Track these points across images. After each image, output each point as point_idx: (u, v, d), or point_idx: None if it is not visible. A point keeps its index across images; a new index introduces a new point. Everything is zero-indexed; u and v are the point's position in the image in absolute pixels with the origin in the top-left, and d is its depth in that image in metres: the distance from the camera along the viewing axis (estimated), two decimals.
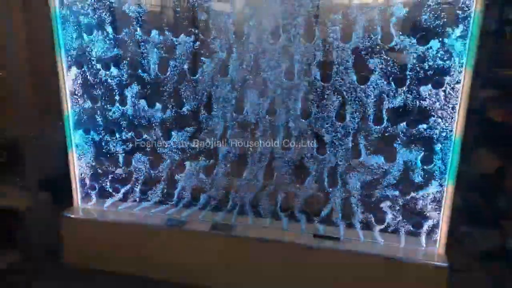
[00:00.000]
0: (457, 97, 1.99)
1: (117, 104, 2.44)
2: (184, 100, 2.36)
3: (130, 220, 2.48)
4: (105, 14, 2.32)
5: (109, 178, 2.58)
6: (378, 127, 2.14)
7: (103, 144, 2.53)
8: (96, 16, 2.33)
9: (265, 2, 2.16)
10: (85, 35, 2.35)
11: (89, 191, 2.62)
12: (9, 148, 2.74)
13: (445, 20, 1.95)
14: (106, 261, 2.51)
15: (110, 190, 2.60)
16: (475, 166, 4.26)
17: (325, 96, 2.18)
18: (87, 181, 2.60)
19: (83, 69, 2.41)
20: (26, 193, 2.68)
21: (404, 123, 2.12)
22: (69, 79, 2.42)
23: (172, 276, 2.42)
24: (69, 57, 2.39)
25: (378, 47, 2.05)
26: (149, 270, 2.45)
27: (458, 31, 1.92)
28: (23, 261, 2.59)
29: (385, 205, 2.25)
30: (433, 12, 1.95)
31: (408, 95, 2.07)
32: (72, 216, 2.54)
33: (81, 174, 2.58)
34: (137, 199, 2.59)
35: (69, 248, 2.56)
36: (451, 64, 1.97)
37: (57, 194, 2.74)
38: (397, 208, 2.24)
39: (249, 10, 2.18)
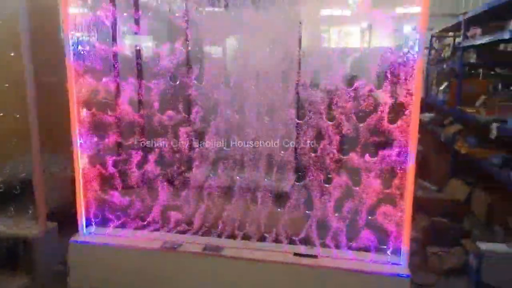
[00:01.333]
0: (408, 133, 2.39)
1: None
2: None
3: (130, 245, 2.78)
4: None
5: (111, 207, 2.89)
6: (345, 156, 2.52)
7: (107, 176, 2.87)
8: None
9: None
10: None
11: (93, 219, 2.92)
12: (22, 181, 3.05)
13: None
14: (110, 283, 2.77)
15: (113, 218, 2.90)
16: (447, 193, 4.66)
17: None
18: (92, 210, 2.91)
19: (91, 111, 2.79)
20: (36, 221, 2.96)
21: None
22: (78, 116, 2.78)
23: None
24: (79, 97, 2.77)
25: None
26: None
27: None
28: (31, 284, 2.84)
29: (356, 225, 2.59)
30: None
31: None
32: (78, 241, 2.83)
33: (87, 203, 2.89)
34: (137, 226, 2.89)
35: (74, 272, 2.83)
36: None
37: (64, 222, 3.03)
38: (366, 228, 2.58)
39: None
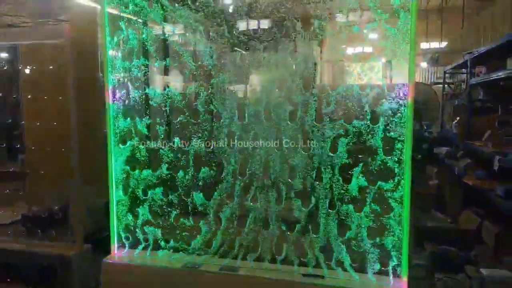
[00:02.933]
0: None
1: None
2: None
3: (156, 264, 3.10)
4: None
5: (141, 231, 3.25)
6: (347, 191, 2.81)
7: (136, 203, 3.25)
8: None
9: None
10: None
11: (125, 241, 3.28)
12: (63, 209, 3.46)
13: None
14: None
15: (142, 240, 3.25)
16: (460, 224, 4.80)
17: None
18: (124, 233, 3.27)
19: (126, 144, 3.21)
20: (73, 243, 3.35)
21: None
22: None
23: None
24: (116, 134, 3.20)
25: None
26: None
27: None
28: None
29: (358, 249, 2.83)
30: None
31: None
32: (110, 261, 3.18)
33: (119, 227, 3.26)
34: (162, 247, 3.23)
35: None
36: None
37: (98, 244, 3.40)
38: (369, 251, 2.82)
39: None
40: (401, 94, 2.67)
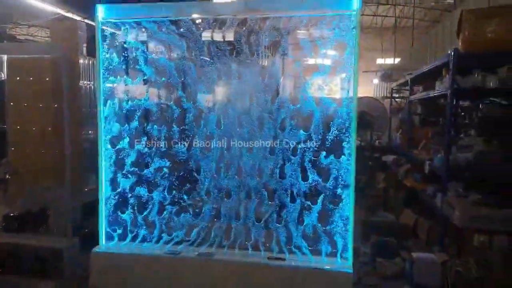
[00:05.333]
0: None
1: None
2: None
3: (141, 252, 3.56)
4: None
5: (126, 224, 3.69)
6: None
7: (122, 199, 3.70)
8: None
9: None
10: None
11: (112, 233, 3.71)
12: (54, 206, 3.85)
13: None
14: (123, 285, 3.52)
15: (128, 232, 3.70)
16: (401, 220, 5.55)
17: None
18: (110, 227, 3.70)
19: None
20: (63, 237, 3.74)
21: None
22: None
23: None
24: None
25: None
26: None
27: None
28: (59, 286, 3.56)
29: (314, 235, 3.44)
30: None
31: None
32: (98, 251, 3.60)
33: (106, 221, 3.69)
34: (146, 238, 3.69)
35: (95, 276, 3.57)
36: None
37: (87, 237, 3.80)
38: (324, 237, 3.43)
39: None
40: (348, 106, 3.32)
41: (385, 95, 15.47)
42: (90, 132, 4.65)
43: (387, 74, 15.81)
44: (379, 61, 19.27)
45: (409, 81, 6.19)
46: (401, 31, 17.22)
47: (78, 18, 11.32)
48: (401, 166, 6.60)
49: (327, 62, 3.53)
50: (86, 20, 11.41)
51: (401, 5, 15.37)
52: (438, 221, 4.38)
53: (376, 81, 16.54)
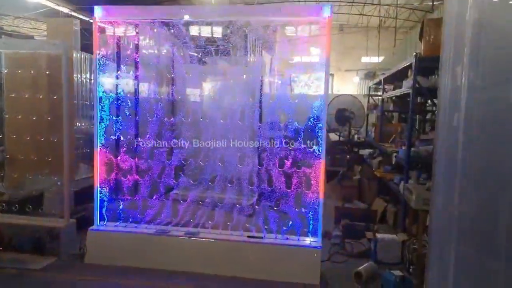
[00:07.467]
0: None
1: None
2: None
3: (133, 231, 3.95)
4: None
5: (120, 206, 4.07)
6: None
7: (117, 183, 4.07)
8: None
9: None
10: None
11: (106, 215, 4.08)
12: (53, 189, 4.19)
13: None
14: (116, 259, 3.91)
15: (121, 214, 4.08)
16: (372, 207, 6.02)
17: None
18: (105, 209, 4.08)
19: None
20: (61, 217, 4.09)
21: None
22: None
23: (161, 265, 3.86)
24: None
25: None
26: (145, 263, 3.87)
27: None
28: (57, 263, 3.92)
29: (288, 216, 3.89)
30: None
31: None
32: (94, 229, 3.97)
33: (101, 203, 4.06)
34: (138, 220, 4.08)
35: (91, 253, 3.94)
36: None
37: (84, 217, 4.17)
38: (297, 219, 3.88)
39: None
40: (322, 102, 3.75)
41: (366, 93, 16.08)
42: (81, 124, 5.01)
43: (372, 72, 16.38)
44: (364, 59, 19.77)
45: (382, 81, 6.68)
46: (385, 31, 17.75)
47: (65, 10, 11.55)
48: (374, 158, 7.10)
49: (305, 61, 4.00)
50: (76, 14, 11.62)
51: (387, 5, 15.85)
52: (402, 206, 4.87)
53: (357, 79, 17.08)
